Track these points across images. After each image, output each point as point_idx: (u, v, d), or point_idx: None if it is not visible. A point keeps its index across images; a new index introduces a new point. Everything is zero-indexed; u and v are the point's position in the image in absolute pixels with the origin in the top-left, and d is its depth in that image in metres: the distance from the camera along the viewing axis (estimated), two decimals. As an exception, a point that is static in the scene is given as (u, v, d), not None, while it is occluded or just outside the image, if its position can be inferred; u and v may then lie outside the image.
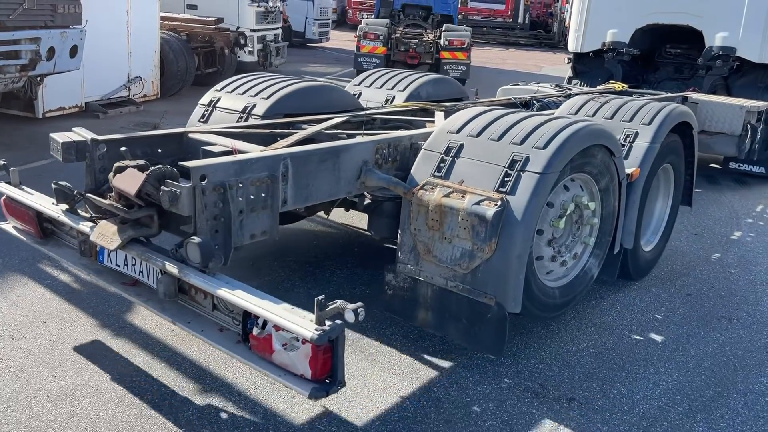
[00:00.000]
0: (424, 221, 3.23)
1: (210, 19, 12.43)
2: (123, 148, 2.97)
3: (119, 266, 2.91)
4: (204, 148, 3.28)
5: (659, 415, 3.17)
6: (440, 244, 3.20)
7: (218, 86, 4.46)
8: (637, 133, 4.27)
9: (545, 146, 3.21)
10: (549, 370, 3.48)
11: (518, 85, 7.21)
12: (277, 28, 14.52)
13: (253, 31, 13.25)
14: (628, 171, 3.96)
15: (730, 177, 7.93)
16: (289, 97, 4.23)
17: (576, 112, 4.61)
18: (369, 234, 4.09)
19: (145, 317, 3.70)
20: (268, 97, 4.19)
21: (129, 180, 2.70)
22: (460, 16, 21.06)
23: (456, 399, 3.17)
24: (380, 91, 5.23)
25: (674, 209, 4.99)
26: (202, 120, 4.24)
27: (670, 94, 6.97)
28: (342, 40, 23.27)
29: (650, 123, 4.30)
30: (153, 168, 2.71)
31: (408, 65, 14.74)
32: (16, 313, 3.68)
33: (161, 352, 3.39)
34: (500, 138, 3.33)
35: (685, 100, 6.78)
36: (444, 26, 14.98)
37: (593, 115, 4.52)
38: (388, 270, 3.45)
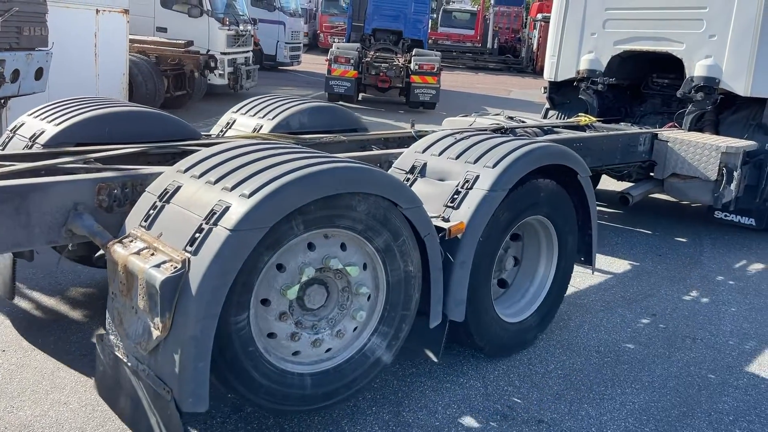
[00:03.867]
0: (118, 284, 2.57)
1: (180, 42, 12.40)
2: None
3: None
4: None
5: (626, 436, 3.19)
6: (129, 315, 2.53)
7: (32, 110, 3.92)
8: (477, 178, 3.38)
9: (251, 194, 2.45)
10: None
11: (468, 116, 6.44)
12: (248, 52, 14.59)
13: (224, 54, 13.28)
14: (443, 225, 3.17)
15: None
16: (84, 124, 3.66)
17: (423, 151, 3.75)
18: None
19: (109, 344, 3.62)
20: (59, 124, 3.64)
21: None
22: (430, 41, 21.41)
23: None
24: (252, 120, 4.70)
25: (562, 271, 4.06)
26: (0, 148, 3.77)
27: (636, 130, 6.47)
28: (313, 63, 23.43)
29: (495, 166, 3.41)
30: None
31: (379, 89, 14.97)
32: (-27, 342, 3.58)
33: (124, 380, 3.31)
34: (217, 181, 2.61)
35: (654, 138, 6.30)
36: (414, 50, 15.23)
37: (439, 154, 3.66)
38: (98, 340, 2.79)
